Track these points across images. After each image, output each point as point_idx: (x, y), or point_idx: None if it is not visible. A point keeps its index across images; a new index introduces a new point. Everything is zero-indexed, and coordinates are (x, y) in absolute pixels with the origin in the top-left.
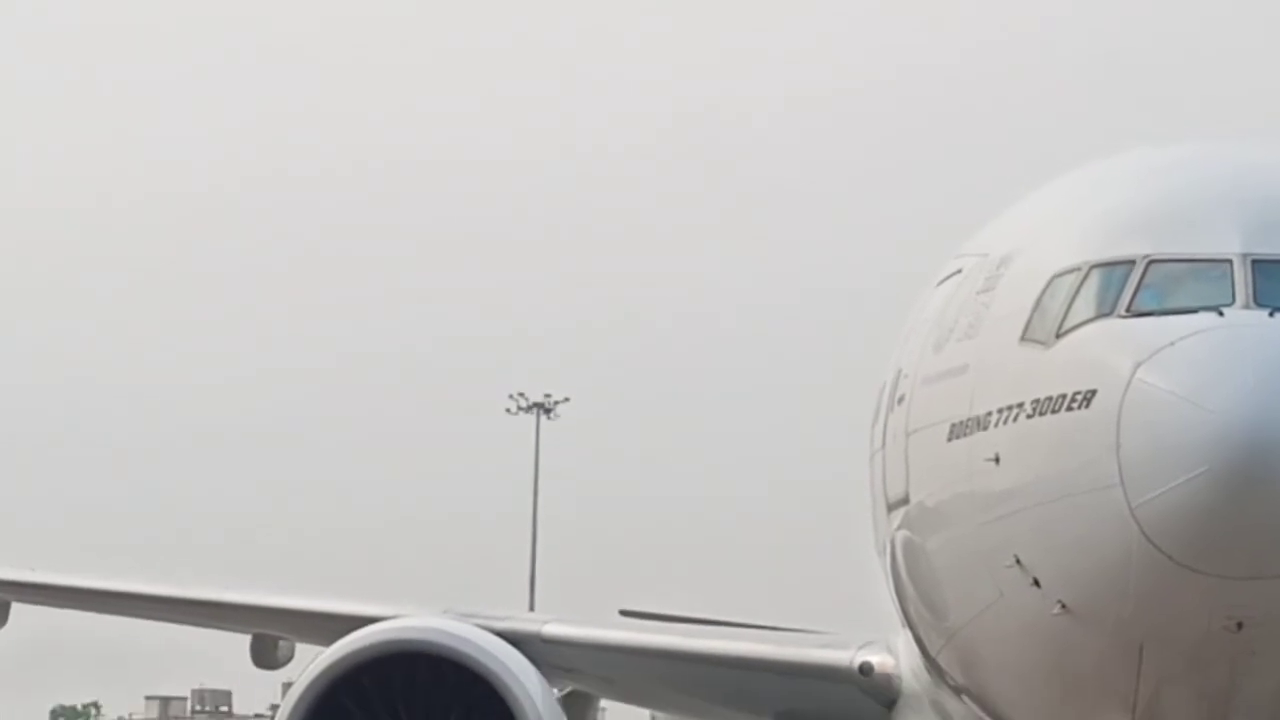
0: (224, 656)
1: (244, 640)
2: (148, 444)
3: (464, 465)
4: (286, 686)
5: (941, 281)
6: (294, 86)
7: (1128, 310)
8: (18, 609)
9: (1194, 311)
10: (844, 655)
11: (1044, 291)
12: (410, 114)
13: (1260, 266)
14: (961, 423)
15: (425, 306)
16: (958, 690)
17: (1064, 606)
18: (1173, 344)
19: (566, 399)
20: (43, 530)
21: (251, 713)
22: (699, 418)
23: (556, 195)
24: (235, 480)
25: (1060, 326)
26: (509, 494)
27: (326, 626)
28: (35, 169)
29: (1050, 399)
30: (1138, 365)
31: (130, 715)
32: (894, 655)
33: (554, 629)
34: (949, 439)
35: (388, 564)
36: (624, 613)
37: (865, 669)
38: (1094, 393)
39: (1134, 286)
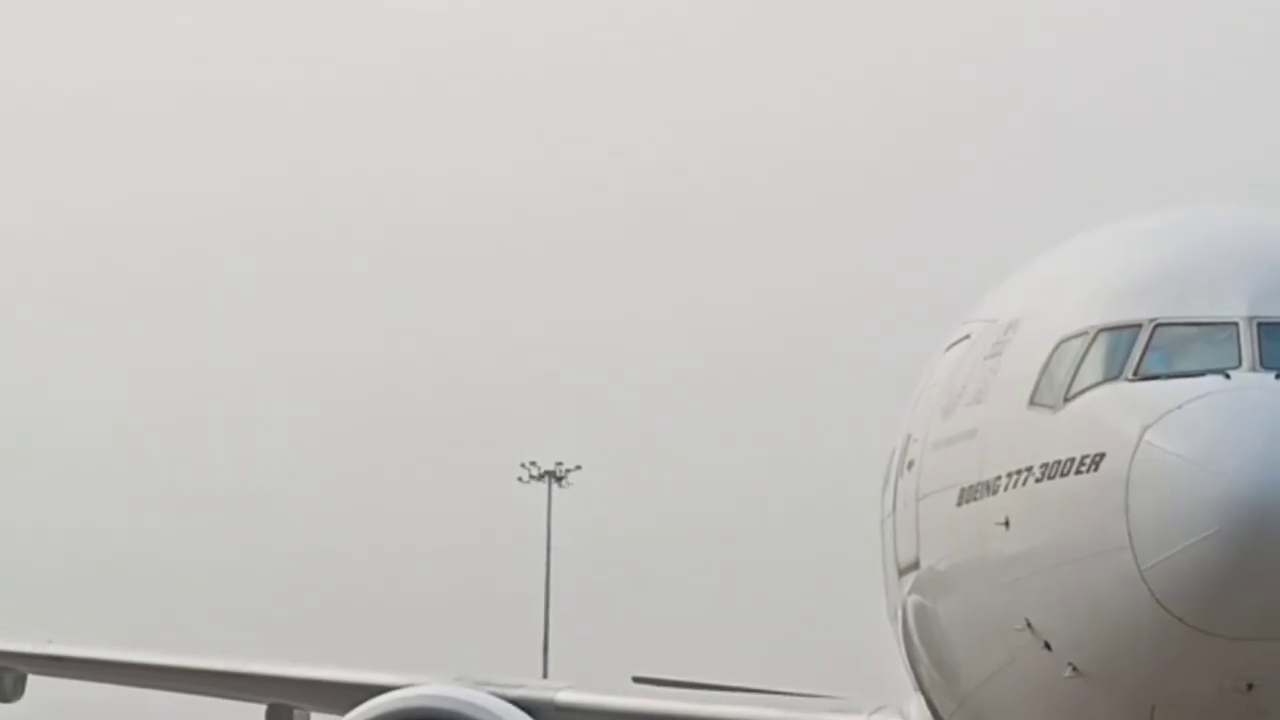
0: None
1: (259, 710)
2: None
3: (475, 534)
4: None
5: (950, 347)
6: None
7: (1135, 374)
8: (33, 681)
9: (1201, 374)
10: None
11: (1051, 356)
12: (405, 180)
13: (1266, 329)
14: (971, 487)
15: (435, 375)
16: None
17: (1075, 669)
18: (1180, 407)
19: (578, 467)
20: (56, 600)
21: None
22: (712, 484)
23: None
24: (243, 547)
25: (1068, 391)
26: (521, 561)
27: (341, 695)
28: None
29: (1059, 463)
30: (1145, 428)
31: None
32: None
33: (567, 696)
34: (959, 503)
35: (400, 632)
36: (637, 679)
37: None
38: (1102, 456)
39: (1141, 350)
